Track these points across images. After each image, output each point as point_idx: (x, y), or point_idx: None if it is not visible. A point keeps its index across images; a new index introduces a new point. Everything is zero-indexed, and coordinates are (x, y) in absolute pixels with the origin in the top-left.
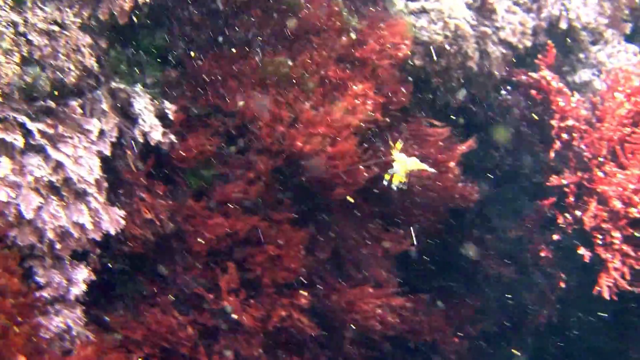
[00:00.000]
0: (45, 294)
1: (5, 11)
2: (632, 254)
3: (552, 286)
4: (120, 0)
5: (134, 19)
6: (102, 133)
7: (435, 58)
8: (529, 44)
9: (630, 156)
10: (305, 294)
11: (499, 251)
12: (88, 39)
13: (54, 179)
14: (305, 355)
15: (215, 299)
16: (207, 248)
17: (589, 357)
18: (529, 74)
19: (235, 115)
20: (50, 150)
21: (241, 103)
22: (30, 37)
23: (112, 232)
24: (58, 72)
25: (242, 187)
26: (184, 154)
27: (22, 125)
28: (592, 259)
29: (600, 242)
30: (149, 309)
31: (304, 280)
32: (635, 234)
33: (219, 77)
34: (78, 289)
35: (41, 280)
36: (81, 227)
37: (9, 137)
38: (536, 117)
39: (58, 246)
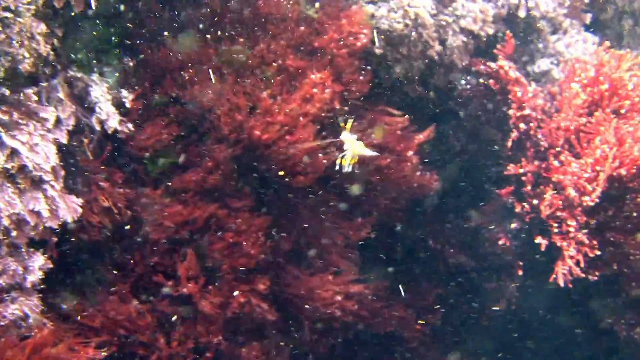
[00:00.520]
0: (0, 281)
1: None
2: (587, 242)
3: (511, 274)
4: None
5: (92, 6)
6: (58, 121)
7: (395, 47)
8: (490, 31)
9: (585, 145)
10: (265, 280)
11: (459, 240)
12: (43, 27)
13: (8, 166)
14: (265, 341)
15: (174, 286)
16: (166, 236)
17: (549, 342)
18: (488, 63)
19: (193, 104)
20: (4, 137)
21: (199, 92)
22: None
23: (69, 220)
24: (12, 60)
25: (201, 175)
26: (141, 143)
27: None
28: (549, 247)
29: (556, 231)
30: (108, 296)
31: (265, 268)
32: (590, 222)
33: (177, 66)
34: (34, 277)
35: None
36: (37, 214)
37: None
38: (495, 107)
39: (14, 234)
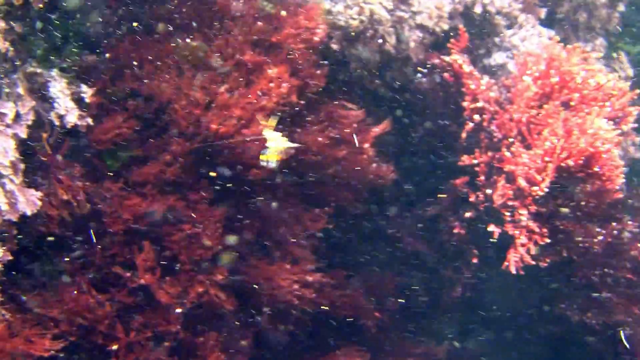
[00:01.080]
0: None
1: None
2: (537, 230)
3: (467, 262)
4: None
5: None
6: (17, 116)
7: (351, 42)
8: (445, 27)
9: (536, 137)
10: (222, 270)
11: (417, 229)
12: (2, 24)
13: None
14: (224, 330)
15: (133, 277)
16: (125, 228)
17: (504, 328)
18: (442, 57)
19: (152, 98)
20: None
21: (157, 87)
22: None
23: (29, 213)
24: None
25: (159, 168)
26: (101, 137)
27: None
28: (502, 236)
29: (508, 219)
30: (67, 287)
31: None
32: (541, 210)
33: (136, 62)
34: None
35: None
36: None
37: None
38: (450, 100)
39: None
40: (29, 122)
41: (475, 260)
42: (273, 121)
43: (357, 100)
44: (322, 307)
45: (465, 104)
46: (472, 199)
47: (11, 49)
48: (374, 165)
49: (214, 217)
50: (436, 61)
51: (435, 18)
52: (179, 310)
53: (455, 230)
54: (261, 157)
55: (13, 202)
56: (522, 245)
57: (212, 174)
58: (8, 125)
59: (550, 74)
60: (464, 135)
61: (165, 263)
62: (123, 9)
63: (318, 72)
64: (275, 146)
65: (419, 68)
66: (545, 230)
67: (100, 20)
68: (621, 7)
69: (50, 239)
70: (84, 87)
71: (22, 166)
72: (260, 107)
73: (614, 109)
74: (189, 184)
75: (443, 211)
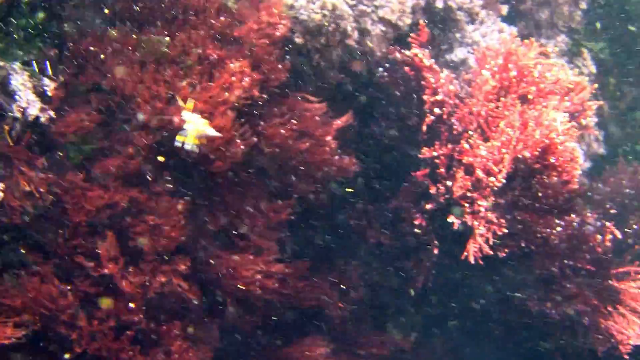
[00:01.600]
0: None
1: None
2: (495, 220)
3: (428, 253)
4: None
5: None
6: None
7: (314, 36)
8: (408, 21)
9: (494, 129)
10: (186, 260)
11: (380, 221)
12: None
13: None
14: (187, 319)
15: (96, 267)
16: (87, 219)
17: (466, 318)
18: (403, 51)
19: (115, 92)
20: None
21: (120, 81)
22: None
23: None
24: None
25: (122, 161)
26: (63, 129)
27: None
28: (461, 227)
29: (468, 210)
30: (30, 278)
31: (187, 249)
32: (500, 201)
33: (99, 55)
34: None
35: None
36: None
37: None
38: (411, 93)
39: None
40: None
41: (436, 251)
42: (190, 104)
43: (319, 93)
44: (286, 298)
45: (425, 97)
46: (432, 190)
47: None
48: (337, 157)
49: (176, 209)
50: (397, 55)
51: (398, 12)
52: (142, 299)
53: (417, 222)
54: (177, 138)
55: None
56: (481, 235)
57: (176, 165)
58: None
59: (509, 68)
60: (424, 128)
61: (129, 254)
62: (86, 3)
63: (280, 66)
64: (194, 129)
65: (381, 62)
66: (503, 221)
67: (63, 14)
68: (583, 5)
69: (12, 229)
70: (46, 81)
71: None
72: (222, 100)
73: (573, 103)
74: (151, 176)
75: (405, 203)
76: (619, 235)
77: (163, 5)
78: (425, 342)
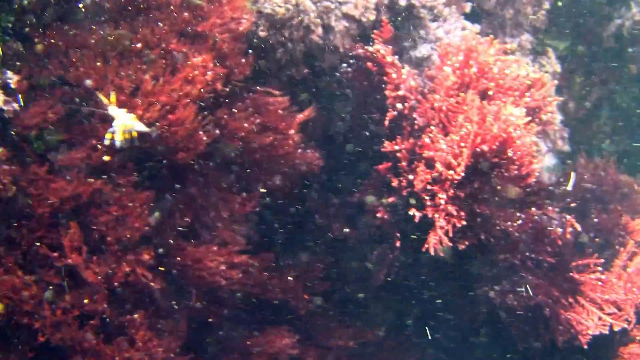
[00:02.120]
0: None
1: None
2: (455, 213)
3: (391, 246)
4: None
5: None
6: None
7: (278, 30)
8: (372, 18)
9: (454, 124)
10: (150, 250)
11: (344, 214)
12: None
13: None
14: (151, 309)
15: (59, 257)
16: (51, 210)
17: (430, 310)
18: (366, 47)
19: (78, 85)
20: None
21: (84, 74)
22: None
23: None
24: None
25: (86, 152)
26: (27, 122)
27: None
28: (423, 219)
29: (429, 203)
30: None
31: (152, 240)
32: (460, 194)
33: (63, 49)
34: None
35: None
36: None
37: None
38: (374, 88)
39: None
40: None
41: (398, 244)
42: (114, 97)
43: (283, 88)
44: (252, 289)
45: (387, 92)
46: (394, 184)
47: None
48: (300, 151)
49: (140, 200)
50: (360, 51)
51: (361, 9)
52: (106, 289)
53: (379, 215)
54: (106, 136)
55: None
56: (441, 228)
57: (141, 158)
58: None
59: (469, 65)
60: (387, 123)
61: (93, 244)
62: None
63: (243, 60)
64: (122, 124)
65: (345, 57)
66: (463, 213)
67: (27, 7)
68: (546, 5)
69: None
70: (9, 74)
71: None
72: (185, 93)
73: (534, 99)
74: (115, 168)
75: (367, 196)
76: (578, 228)
77: (127, 0)
78: (392, 336)
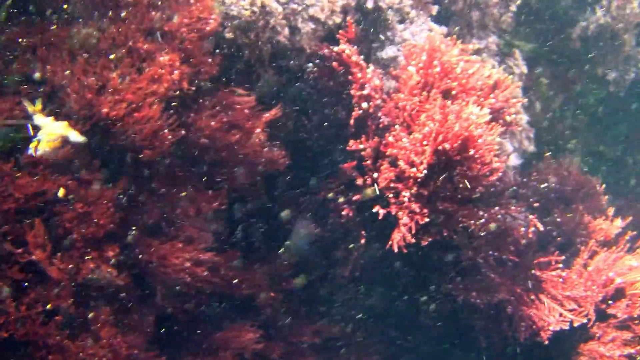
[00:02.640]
0: None
1: None
2: (418, 210)
3: (356, 243)
4: None
5: None
6: None
7: (244, 32)
8: (338, 20)
9: (417, 123)
10: (114, 247)
11: (311, 212)
12: None
13: None
14: (116, 305)
15: (24, 253)
16: (16, 206)
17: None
18: (331, 47)
19: (45, 82)
20: None
21: (51, 72)
22: None
23: None
24: None
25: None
26: None
27: None
28: (387, 217)
29: (393, 201)
30: None
31: (118, 237)
32: (423, 192)
33: (29, 47)
34: None
35: None
36: None
37: None
38: (340, 88)
39: None
40: None
41: (363, 241)
42: (39, 105)
43: (250, 88)
44: (217, 286)
45: (352, 92)
46: (359, 182)
47: None
48: (266, 149)
49: (105, 197)
50: (325, 51)
51: (328, 11)
52: (70, 285)
53: (344, 212)
54: (31, 146)
55: None
56: (405, 225)
57: (107, 154)
58: None
59: (433, 65)
60: (352, 121)
61: (58, 241)
62: None
63: (210, 60)
64: (49, 132)
65: (311, 58)
66: (426, 210)
67: None
68: (513, 8)
69: None
70: None
71: None
72: (151, 92)
73: (498, 100)
74: (81, 165)
75: (333, 194)
76: (541, 227)
77: None
78: (359, 332)
